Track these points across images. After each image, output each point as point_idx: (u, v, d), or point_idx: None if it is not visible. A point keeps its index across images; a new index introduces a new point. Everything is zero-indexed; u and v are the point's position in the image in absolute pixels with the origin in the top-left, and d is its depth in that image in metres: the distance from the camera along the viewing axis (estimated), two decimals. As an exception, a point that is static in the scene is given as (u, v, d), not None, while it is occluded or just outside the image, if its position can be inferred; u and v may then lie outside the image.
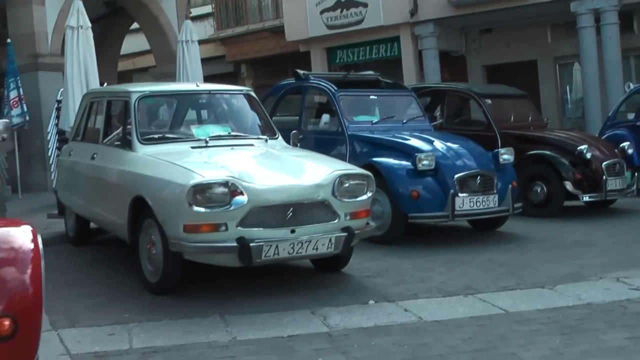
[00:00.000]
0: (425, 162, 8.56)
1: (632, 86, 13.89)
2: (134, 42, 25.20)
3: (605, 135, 13.56)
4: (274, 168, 6.78)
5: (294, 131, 8.38)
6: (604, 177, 10.56)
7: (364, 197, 6.72)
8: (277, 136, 7.93)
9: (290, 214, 6.24)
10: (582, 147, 10.72)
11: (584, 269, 7.18)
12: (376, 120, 9.91)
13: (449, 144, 9.09)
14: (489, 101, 11.74)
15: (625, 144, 11.70)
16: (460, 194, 8.53)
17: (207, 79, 25.64)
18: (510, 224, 9.69)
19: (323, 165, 6.82)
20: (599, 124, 16.07)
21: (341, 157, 9.39)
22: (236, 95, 8.32)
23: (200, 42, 26.91)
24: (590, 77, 18.11)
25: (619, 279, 6.68)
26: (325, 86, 10.10)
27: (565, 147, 10.97)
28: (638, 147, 12.87)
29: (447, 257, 7.96)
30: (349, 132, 9.55)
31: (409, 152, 8.79)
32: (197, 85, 8.07)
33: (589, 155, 10.67)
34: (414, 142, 9.10)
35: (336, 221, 6.48)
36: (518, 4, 18.66)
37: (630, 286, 6.42)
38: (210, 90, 8.23)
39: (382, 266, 7.59)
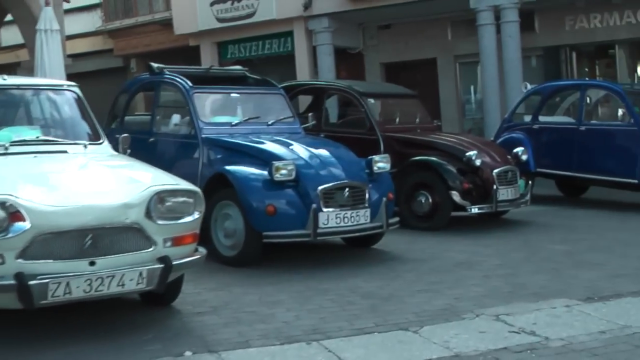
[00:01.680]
0: (283, 171, 7.31)
1: (529, 86, 12.96)
2: (18, 34, 23.31)
3: (501, 139, 12.64)
4: (76, 183, 5.42)
5: (124, 135, 7.02)
6: (495, 187, 9.53)
7: (190, 218, 5.43)
8: (101, 141, 6.59)
9: (89, 241, 4.93)
10: (471, 153, 9.66)
11: (460, 302, 6.05)
12: (237, 121, 8.63)
13: (315, 151, 7.86)
14: (371, 101, 10.61)
15: (519, 149, 10.70)
16: (324, 209, 7.31)
17: (94, 74, 24.27)
18: (389, 239, 8.57)
19: (139, 179, 5.51)
20: (498, 125, 15.14)
21: (194, 164, 8.18)
22: (56, 91, 6.91)
23: (88, 34, 25.56)
24: (489, 77, 17.21)
25: (498, 317, 5.56)
26: (178, 81, 8.76)
27: (453, 152, 9.90)
28: (534, 152, 11.98)
29: (303, 285, 6.72)
30: (202, 135, 8.25)
31: (267, 160, 7.54)
32: (3, 79, 6.64)
33: (478, 162, 9.62)
34: (273, 147, 7.84)
35: (151, 249, 5.19)
36: (416, -1, 17.67)
37: (510, 327, 5.30)
38: (19, 85, 6.81)
39: (222, 298, 6.30)
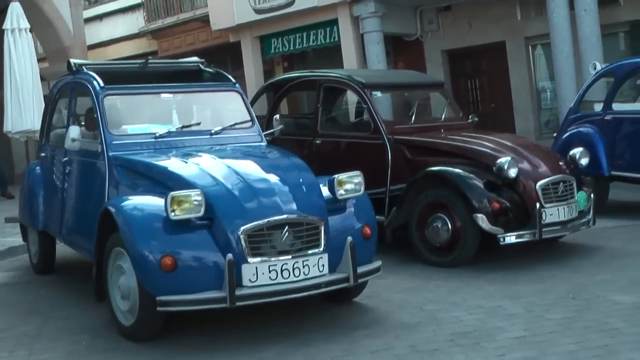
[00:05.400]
0: (185, 205, 4.90)
1: (598, 67, 10.18)
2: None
3: (566, 135, 10.01)
4: None
5: None
6: (538, 205, 6.93)
7: None
8: None
9: None
10: (502, 160, 7.05)
11: None
12: (165, 132, 6.29)
13: (245, 171, 5.39)
14: (377, 94, 8.11)
15: (577, 151, 7.89)
16: (251, 260, 4.90)
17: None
18: (385, 284, 6.17)
19: None
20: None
21: (102, 192, 5.95)
22: None
23: (131, 37, 23.83)
24: (562, 59, 14.38)
25: None
26: (88, 82, 6.49)
27: (484, 160, 7.32)
28: (608, 151, 9.31)
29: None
30: (109, 153, 5.98)
31: (171, 187, 5.19)
32: None
33: (512, 173, 7.00)
34: (182, 169, 5.44)
35: None
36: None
37: None
38: None
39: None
